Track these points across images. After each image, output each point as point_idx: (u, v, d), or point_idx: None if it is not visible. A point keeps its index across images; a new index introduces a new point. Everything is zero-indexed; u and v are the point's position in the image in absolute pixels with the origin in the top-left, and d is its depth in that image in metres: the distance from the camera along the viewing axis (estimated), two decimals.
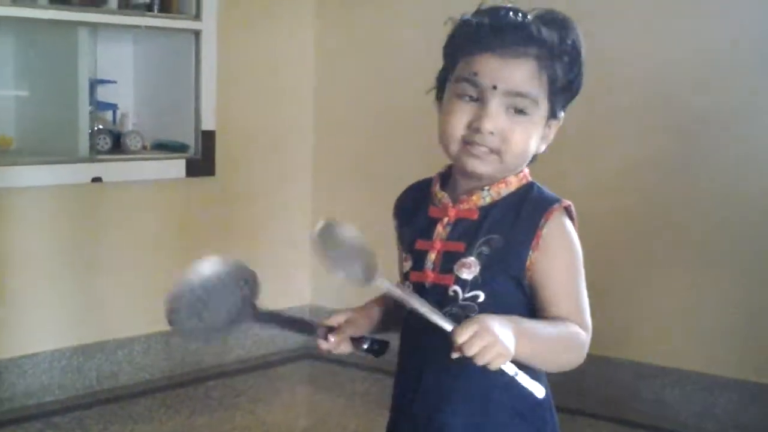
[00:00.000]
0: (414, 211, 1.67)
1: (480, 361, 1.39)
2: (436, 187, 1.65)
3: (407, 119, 3.94)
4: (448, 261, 1.58)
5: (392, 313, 1.69)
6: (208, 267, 1.58)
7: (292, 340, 4.37)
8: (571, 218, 1.59)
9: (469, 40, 1.57)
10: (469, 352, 1.38)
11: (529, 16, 1.58)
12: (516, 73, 1.54)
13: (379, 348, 1.65)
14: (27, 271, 3.60)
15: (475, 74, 1.55)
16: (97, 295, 3.78)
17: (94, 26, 3.69)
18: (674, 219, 3.57)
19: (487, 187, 1.60)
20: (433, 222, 1.62)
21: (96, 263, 3.77)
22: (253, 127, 4.21)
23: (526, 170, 1.63)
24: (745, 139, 3.43)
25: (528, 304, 1.57)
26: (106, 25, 3.75)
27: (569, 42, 1.58)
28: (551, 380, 1.65)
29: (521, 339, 1.44)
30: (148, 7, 3.83)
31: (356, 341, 1.65)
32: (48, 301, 3.65)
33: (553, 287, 1.56)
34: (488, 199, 1.59)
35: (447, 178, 1.66)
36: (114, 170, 3.75)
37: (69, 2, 3.60)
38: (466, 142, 1.56)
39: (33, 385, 3.60)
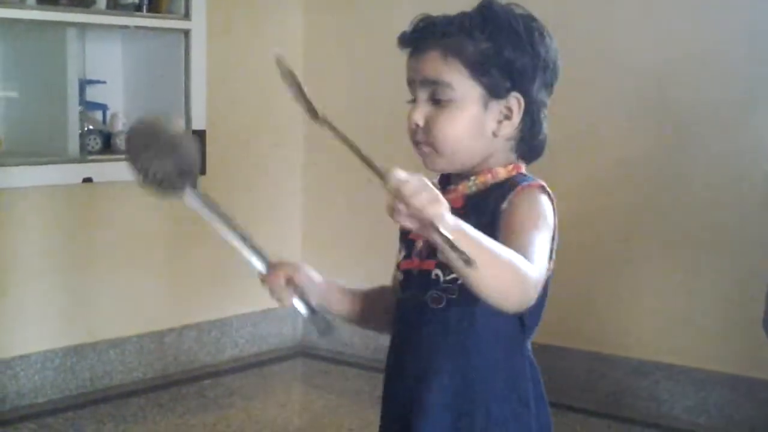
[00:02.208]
0: None
1: (416, 202, 1.30)
2: (435, 180, 1.65)
3: (398, 117, 3.93)
4: (432, 248, 1.57)
5: (376, 307, 1.72)
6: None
7: (286, 338, 4.38)
8: (549, 198, 1.59)
9: (404, 52, 1.67)
10: (406, 188, 1.31)
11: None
12: (424, 64, 1.60)
13: (325, 326, 1.60)
14: (18, 272, 3.59)
15: (408, 77, 1.65)
16: (89, 296, 3.77)
17: (82, 26, 3.68)
18: (667, 216, 3.57)
19: (473, 177, 1.62)
20: None
21: (87, 264, 3.76)
22: (243, 126, 4.21)
23: (522, 166, 1.64)
24: (738, 137, 3.43)
25: None
26: (95, 26, 3.74)
27: (488, 26, 1.59)
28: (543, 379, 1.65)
29: (459, 227, 1.35)
30: (137, 7, 3.82)
31: (304, 303, 1.61)
32: (40, 302, 3.64)
33: (506, 229, 1.52)
34: (474, 189, 1.62)
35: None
36: (104, 170, 3.74)
37: (57, 2, 3.58)
38: (414, 142, 1.64)
39: (25, 386, 3.59)
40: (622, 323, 3.66)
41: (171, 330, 4.01)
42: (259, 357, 4.25)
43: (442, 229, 1.31)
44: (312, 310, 1.62)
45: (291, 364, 4.26)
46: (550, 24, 1.65)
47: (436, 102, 1.60)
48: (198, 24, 3.93)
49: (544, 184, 1.60)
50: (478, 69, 1.58)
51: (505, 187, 1.59)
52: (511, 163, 1.63)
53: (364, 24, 4.24)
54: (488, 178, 1.61)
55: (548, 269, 1.55)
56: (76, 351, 3.73)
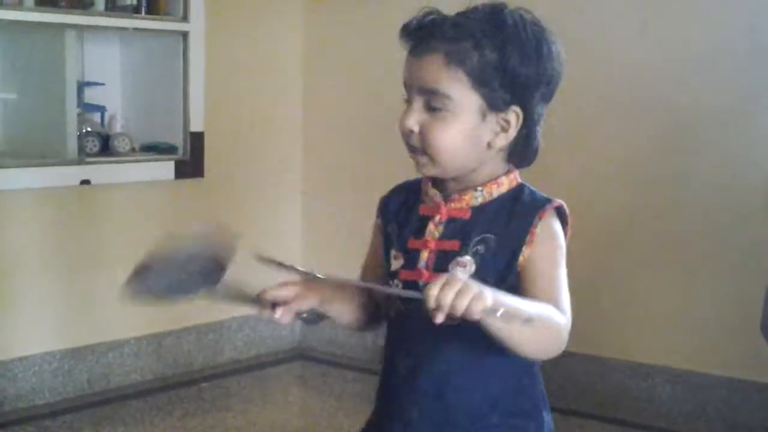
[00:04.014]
0: (404, 209, 1.68)
1: (458, 309, 1.35)
2: (428, 185, 1.65)
3: (397, 119, 3.93)
4: (443, 260, 1.58)
5: (367, 303, 1.70)
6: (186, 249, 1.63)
7: (285, 341, 4.37)
8: (562, 217, 1.60)
9: (403, 46, 1.63)
10: (445, 300, 1.35)
11: (456, 15, 1.59)
12: (424, 70, 1.57)
13: (313, 319, 1.65)
14: (16, 274, 3.58)
15: (405, 78, 1.62)
16: (87, 298, 3.77)
17: (81, 28, 3.68)
18: (666, 218, 3.57)
19: (480, 188, 1.60)
20: (425, 220, 1.63)
21: (85, 266, 3.76)
22: (242, 128, 4.21)
23: (516, 172, 1.64)
24: (735, 138, 3.43)
25: None
26: (93, 27, 3.73)
27: (497, 35, 1.56)
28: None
29: (503, 303, 1.40)
30: (136, 9, 3.82)
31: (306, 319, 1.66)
32: (38, 304, 3.64)
33: (533, 271, 1.55)
34: (480, 200, 1.60)
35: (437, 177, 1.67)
36: (103, 173, 3.74)
37: (56, 4, 3.58)
38: (407, 146, 1.62)
39: (23, 388, 3.59)
40: (620, 326, 3.66)
41: (169, 332, 4.01)
42: (258, 359, 4.25)
43: (493, 317, 1.38)
44: (314, 320, 1.67)
45: (289, 367, 4.25)
46: (549, 24, 1.64)
47: (432, 109, 1.57)
48: (196, 26, 3.93)
49: (560, 204, 1.60)
50: (481, 80, 1.55)
51: (523, 204, 1.59)
52: (507, 171, 1.63)
53: (364, 24, 4.24)
54: (493, 188, 1.61)
55: None
56: (75, 353, 3.72)
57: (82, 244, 3.75)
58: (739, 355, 3.42)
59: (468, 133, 1.57)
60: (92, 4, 3.67)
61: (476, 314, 1.36)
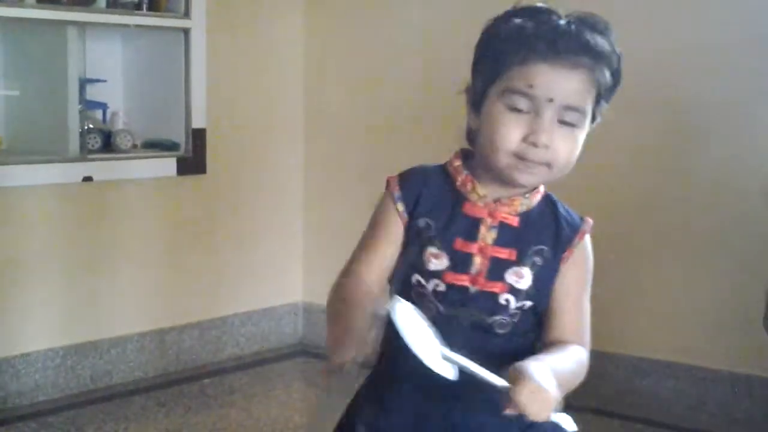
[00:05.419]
0: (441, 204, 1.60)
1: (537, 419, 1.38)
2: (469, 184, 1.59)
3: (399, 115, 3.94)
4: (497, 267, 1.57)
5: None
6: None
7: (287, 337, 4.38)
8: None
9: (522, 48, 1.51)
10: (525, 408, 1.37)
11: (572, 22, 1.54)
12: (572, 86, 1.51)
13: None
14: (19, 270, 3.59)
15: (531, 87, 1.50)
16: (89, 294, 3.77)
17: (82, 25, 3.68)
18: (668, 214, 3.56)
19: (527, 195, 1.60)
20: (473, 221, 1.58)
21: (88, 262, 3.76)
22: (243, 125, 4.21)
23: None
24: (741, 134, 3.42)
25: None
26: (95, 24, 3.74)
27: (617, 50, 1.57)
28: None
29: (558, 396, 1.43)
30: (137, 6, 3.82)
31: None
32: (40, 301, 3.64)
33: (565, 293, 1.60)
34: (524, 207, 1.60)
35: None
36: (105, 169, 3.75)
37: (57, 1, 3.58)
38: (520, 157, 1.52)
39: (26, 384, 3.59)
40: (622, 321, 3.66)
41: (172, 328, 4.01)
42: (260, 355, 4.25)
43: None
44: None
45: (292, 363, 4.25)
46: None
47: (566, 124, 1.53)
48: (198, 22, 3.93)
49: (591, 223, 1.66)
50: (600, 99, 1.57)
51: (563, 218, 1.62)
52: None
53: (365, 23, 4.24)
54: (535, 197, 1.61)
55: None
56: (77, 350, 3.73)
57: (84, 240, 3.76)
58: (741, 350, 3.42)
59: (580, 147, 1.58)
60: (94, 0, 3.67)
61: (544, 419, 1.40)
